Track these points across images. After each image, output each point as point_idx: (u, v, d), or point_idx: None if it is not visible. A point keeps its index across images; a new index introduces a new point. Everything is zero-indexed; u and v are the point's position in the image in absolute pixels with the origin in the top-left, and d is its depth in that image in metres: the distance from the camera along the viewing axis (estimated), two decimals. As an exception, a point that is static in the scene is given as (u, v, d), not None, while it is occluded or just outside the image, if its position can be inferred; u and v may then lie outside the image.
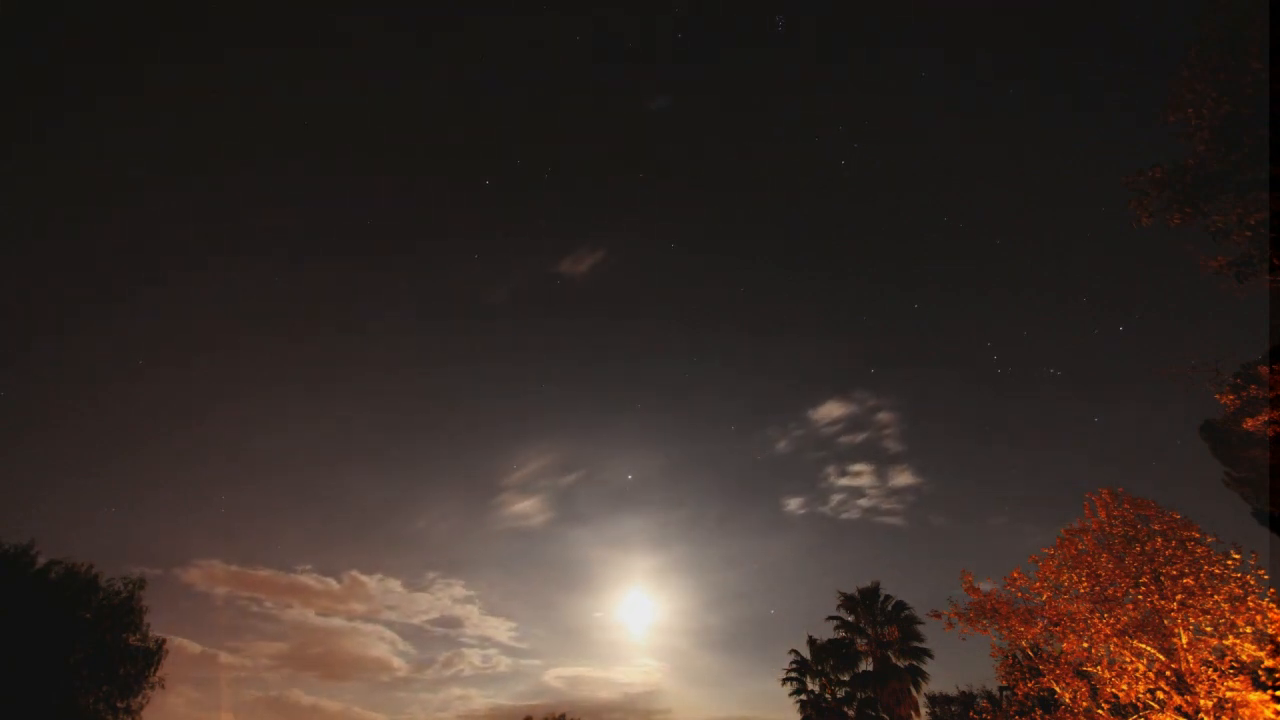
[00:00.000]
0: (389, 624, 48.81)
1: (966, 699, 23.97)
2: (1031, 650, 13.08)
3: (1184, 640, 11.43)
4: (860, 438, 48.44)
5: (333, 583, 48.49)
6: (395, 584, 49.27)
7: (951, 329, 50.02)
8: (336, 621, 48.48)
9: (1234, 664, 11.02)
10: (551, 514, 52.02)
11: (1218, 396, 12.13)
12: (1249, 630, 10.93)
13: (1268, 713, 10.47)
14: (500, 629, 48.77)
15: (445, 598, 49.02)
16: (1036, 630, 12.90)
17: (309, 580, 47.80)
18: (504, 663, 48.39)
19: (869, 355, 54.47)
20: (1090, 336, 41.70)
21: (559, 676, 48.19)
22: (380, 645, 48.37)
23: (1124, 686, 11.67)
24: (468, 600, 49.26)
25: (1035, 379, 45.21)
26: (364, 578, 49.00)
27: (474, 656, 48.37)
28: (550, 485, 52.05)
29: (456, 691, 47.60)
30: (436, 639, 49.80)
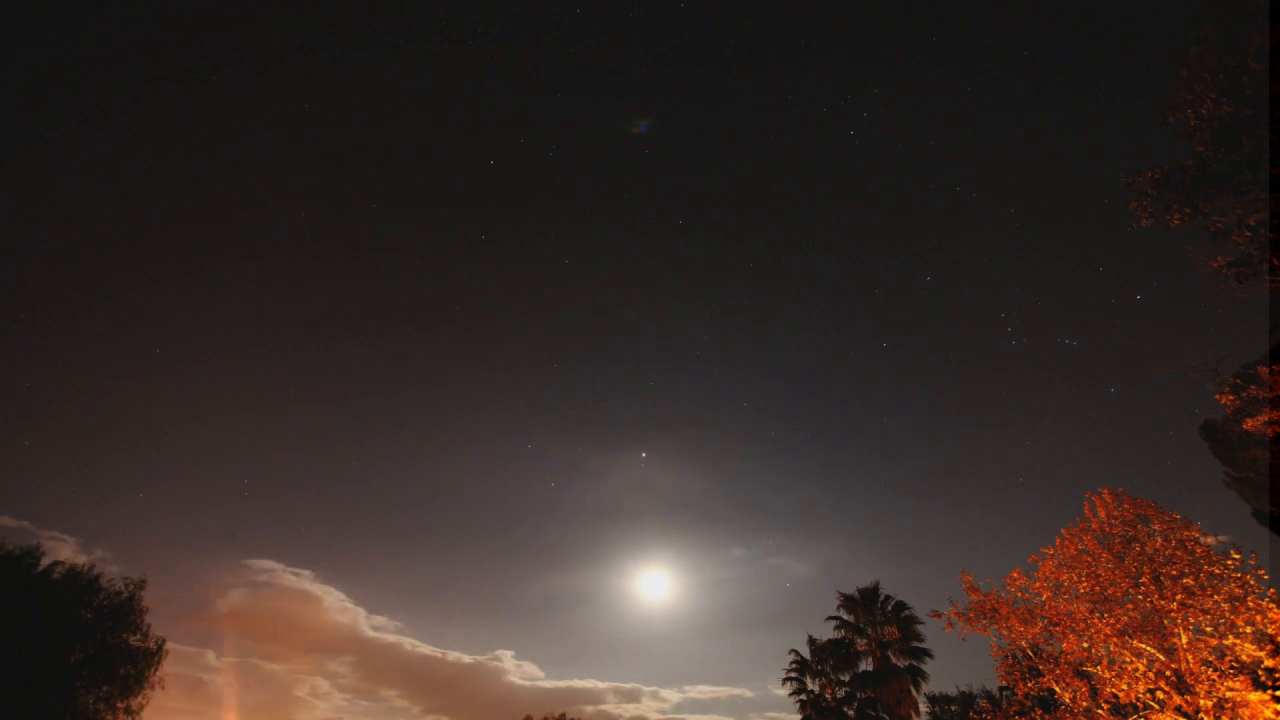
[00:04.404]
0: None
1: (966, 699, 23.96)
2: (1031, 650, 13.05)
3: (1184, 640, 11.41)
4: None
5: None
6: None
7: (965, 301, 49.85)
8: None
9: (1234, 664, 10.99)
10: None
11: (1218, 396, 12.10)
12: (1249, 630, 10.90)
13: (1268, 713, 10.45)
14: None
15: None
16: (1036, 630, 12.87)
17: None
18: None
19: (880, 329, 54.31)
20: (1108, 306, 41.45)
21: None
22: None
23: (1124, 686, 11.65)
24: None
25: (1051, 350, 44.95)
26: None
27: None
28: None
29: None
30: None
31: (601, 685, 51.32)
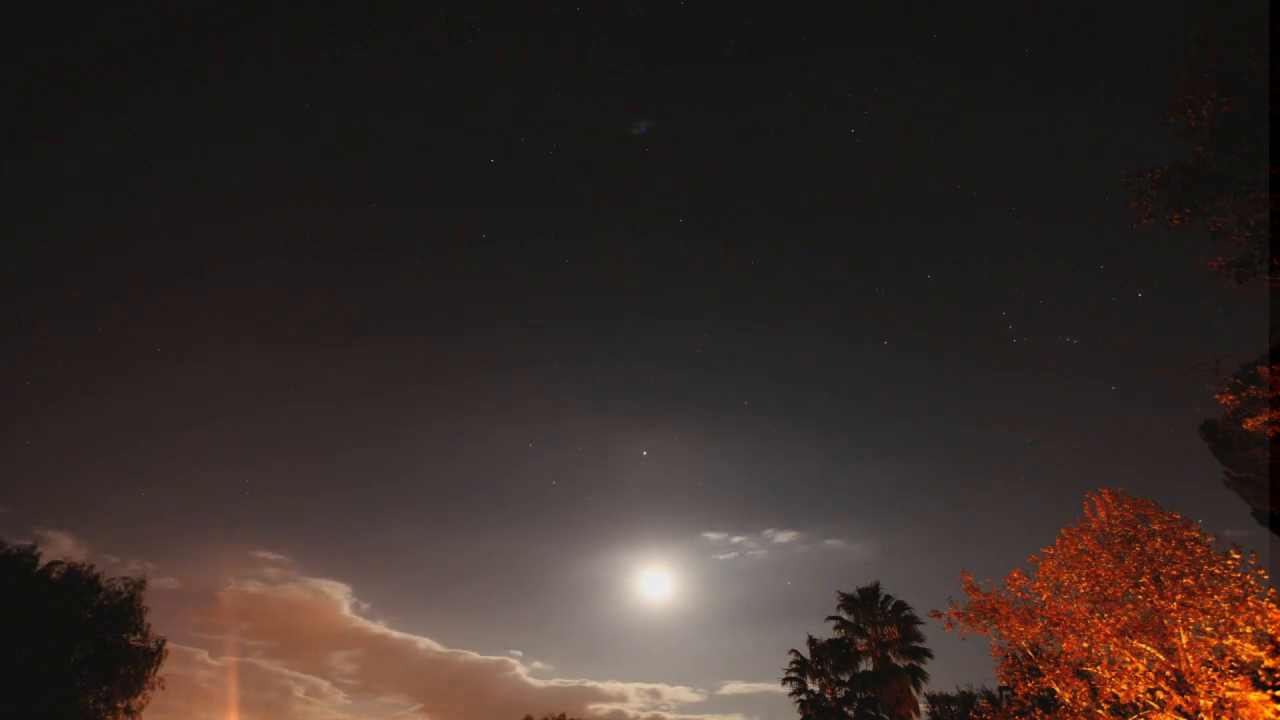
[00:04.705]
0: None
1: (966, 699, 23.93)
2: (1031, 650, 13.05)
3: (1184, 640, 11.41)
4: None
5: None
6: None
7: (966, 298, 49.67)
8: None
9: (1234, 664, 10.99)
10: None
11: (1218, 396, 12.11)
12: (1249, 630, 10.90)
13: (1268, 713, 10.45)
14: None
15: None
16: (1036, 630, 12.87)
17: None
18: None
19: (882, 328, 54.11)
20: (1108, 306, 41.32)
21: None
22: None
23: (1124, 686, 11.65)
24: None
25: (1052, 349, 44.79)
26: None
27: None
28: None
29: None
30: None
31: (623, 685, 51.01)
